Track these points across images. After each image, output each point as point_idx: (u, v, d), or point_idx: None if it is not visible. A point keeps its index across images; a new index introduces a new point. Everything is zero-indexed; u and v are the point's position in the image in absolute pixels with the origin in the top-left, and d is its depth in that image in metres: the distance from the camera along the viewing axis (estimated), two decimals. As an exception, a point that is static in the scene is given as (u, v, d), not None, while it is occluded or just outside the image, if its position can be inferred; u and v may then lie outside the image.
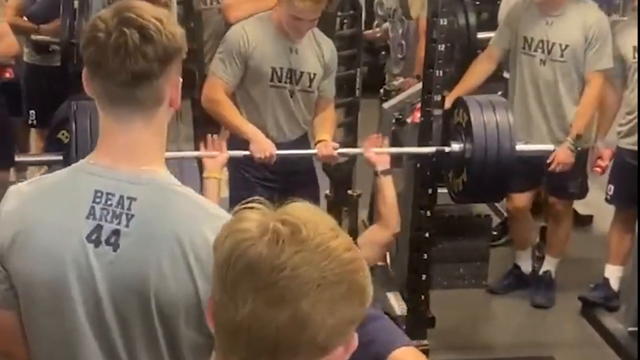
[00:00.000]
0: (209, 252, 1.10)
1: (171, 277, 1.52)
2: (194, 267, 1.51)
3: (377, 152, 3.42)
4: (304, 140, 3.95)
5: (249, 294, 0.99)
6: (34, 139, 5.43)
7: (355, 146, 4.53)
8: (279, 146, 3.73)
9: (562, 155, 4.13)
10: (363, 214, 5.06)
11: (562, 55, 4.20)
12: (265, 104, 3.82)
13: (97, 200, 1.55)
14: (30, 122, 5.03)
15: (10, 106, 4.56)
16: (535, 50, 4.25)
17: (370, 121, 4.65)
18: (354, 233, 4.84)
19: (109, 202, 1.55)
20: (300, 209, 1.06)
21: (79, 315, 1.56)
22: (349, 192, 4.68)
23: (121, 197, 1.55)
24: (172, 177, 1.62)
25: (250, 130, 3.68)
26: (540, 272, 4.64)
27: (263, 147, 3.61)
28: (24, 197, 1.61)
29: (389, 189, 3.36)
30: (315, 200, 3.97)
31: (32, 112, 4.99)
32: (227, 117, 3.77)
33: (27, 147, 5.19)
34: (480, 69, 4.41)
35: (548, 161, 4.17)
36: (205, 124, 4.34)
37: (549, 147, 3.88)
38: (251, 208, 1.06)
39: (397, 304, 4.07)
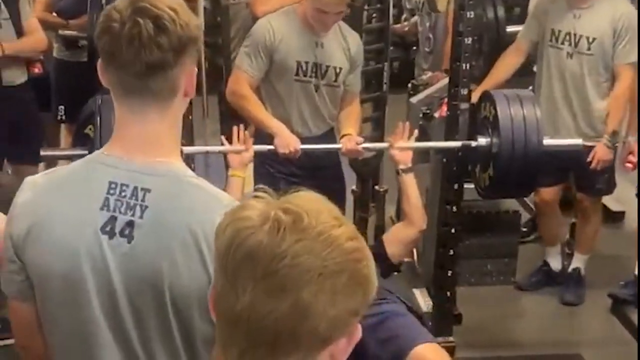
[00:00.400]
0: None
1: (184, 269, 1.51)
2: (208, 260, 1.50)
3: (401, 147, 3.38)
4: (329, 135, 3.92)
5: (249, 283, 0.98)
6: (63, 134, 5.47)
7: (382, 141, 4.51)
8: (304, 141, 3.72)
9: (601, 153, 4.09)
10: (390, 210, 5.03)
11: (589, 49, 4.15)
12: (290, 99, 3.80)
13: (111, 191, 1.54)
14: (59, 117, 5.05)
15: (39, 102, 4.61)
16: (562, 43, 4.20)
17: (399, 116, 4.59)
18: (380, 229, 4.82)
19: (123, 194, 1.54)
20: (303, 198, 1.04)
21: (93, 307, 1.55)
22: (376, 187, 4.66)
23: (135, 188, 1.54)
24: (187, 169, 1.61)
25: (274, 124, 3.67)
26: (570, 269, 4.58)
27: (287, 141, 3.60)
28: (38, 188, 1.61)
29: (411, 187, 3.32)
30: (341, 196, 3.96)
31: (61, 107, 5.01)
32: (251, 111, 3.75)
33: (57, 142, 5.22)
34: (508, 62, 4.36)
35: (588, 159, 4.11)
36: (231, 119, 4.34)
37: (577, 141, 3.81)
38: (255, 197, 1.04)
39: (424, 301, 4.04)
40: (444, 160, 3.70)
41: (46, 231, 1.56)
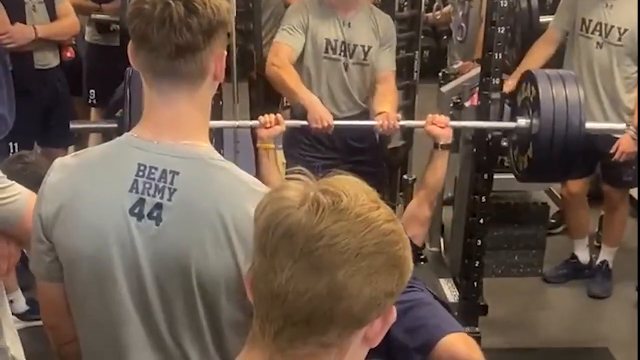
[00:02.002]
0: (251, 227, 1.09)
1: (212, 253, 1.51)
2: (236, 243, 1.51)
3: (441, 123, 3.35)
4: (362, 118, 3.93)
5: (287, 262, 0.99)
6: (94, 118, 5.50)
7: (411, 133, 4.51)
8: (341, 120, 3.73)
9: (625, 144, 4.05)
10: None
11: (619, 39, 4.12)
12: (319, 77, 3.86)
13: (140, 173, 1.55)
14: (90, 101, 5.09)
15: (71, 86, 4.64)
16: (593, 33, 4.17)
17: (430, 105, 4.59)
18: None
19: (152, 176, 1.54)
20: (342, 180, 1.05)
21: (120, 289, 1.56)
22: (405, 176, 4.65)
23: (164, 170, 1.54)
24: (215, 152, 1.61)
25: (307, 97, 3.62)
26: (597, 262, 4.57)
27: (320, 114, 3.53)
28: (68, 169, 1.62)
29: (442, 162, 3.33)
30: (379, 178, 3.99)
31: (92, 91, 5.04)
32: (286, 81, 3.70)
33: (87, 126, 5.26)
34: (539, 52, 4.34)
35: (611, 151, 4.09)
36: (262, 105, 4.35)
37: (620, 125, 3.74)
38: (294, 179, 1.05)
39: (450, 291, 4.04)
40: (474, 150, 3.69)
41: (75, 212, 1.56)
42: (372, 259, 0.99)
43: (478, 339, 3.67)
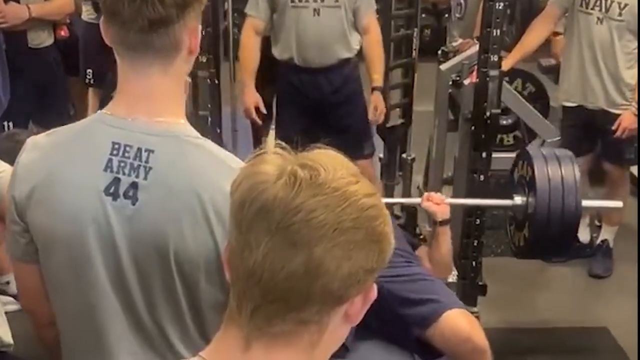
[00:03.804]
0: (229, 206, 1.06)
1: (190, 234, 1.48)
2: (214, 223, 1.47)
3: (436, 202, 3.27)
4: (340, 68, 4.02)
5: (263, 238, 0.95)
6: (91, 98, 5.46)
7: (411, 107, 4.47)
8: (316, 71, 3.91)
9: (627, 121, 4.01)
10: (418, 179, 4.98)
11: (620, 14, 4.06)
12: (288, 28, 3.92)
13: (115, 152, 1.51)
14: (87, 81, 5.04)
15: (67, 65, 4.60)
16: (593, 8, 4.11)
17: (429, 84, 4.55)
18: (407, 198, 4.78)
19: (126, 154, 1.50)
20: (322, 154, 1.01)
21: (97, 271, 1.53)
22: (404, 155, 4.62)
23: (139, 149, 1.50)
24: (192, 129, 1.57)
25: (243, 81, 4.01)
26: (598, 241, 4.54)
27: (245, 98, 3.97)
28: (41, 149, 1.57)
29: (444, 238, 3.21)
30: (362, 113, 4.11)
31: (89, 71, 4.99)
32: (241, 62, 4.06)
33: (84, 107, 5.22)
34: (539, 30, 4.29)
35: (613, 128, 4.05)
36: (260, 84, 4.31)
37: (617, 203, 3.69)
38: (272, 153, 1.01)
39: (449, 271, 4.01)
40: (472, 128, 3.65)
41: (49, 193, 1.53)
42: (350, 234, 0.96)
43: (477, 319, 3.66)
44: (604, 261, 4.47)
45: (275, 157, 1.00)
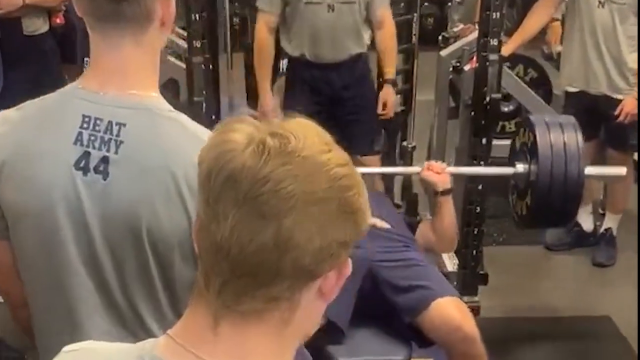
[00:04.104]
0: None
1: (164, 211, 1.44)
2: (188, 200, 1.43)
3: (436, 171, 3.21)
4: (352, 64, 3.95)
5: (230, 209, 0.90)
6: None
7: (412, 94, 4.42)
8: (328, 66, 3.83)
9: (630, 106, 3.95)
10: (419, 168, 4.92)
11: None
12: (301, 25, 3.84)
13: (85, 125, 1.46)
14: (84, 69, 4.98)
15: (64, 53, 4.54)
16: None
17: (431, 73, 4.49)
18: (408, 188, 4.73)
19: (97, 128, 1.46)
20: (294, 123, 0.95)
21: (68, 248, 1.48)
22: (404, 143, 4.56)
23: (110, 122, 1.46)
24: (165, 103, 1.52)
25: (260, 85, 3.94)
26: (601, 230, 4.48)
27: (261, 102, 3.90)
28: (10, 123, 1.52)
29: (447, 209, 3.15)
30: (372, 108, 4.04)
31: (86, 59, 4.91)
32: (257, 70, 3.99)
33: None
34: (539, 14, 4.23)
35: (615, 113, 3.99)
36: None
37: (620, 170, 3.61)
38: (242, 121, 0.95)
39: (449, 260, 3.95)
40: (472, 113, 3.59)
41: (18, 168, 1.48)
42: (322, 205, 0.90)
43: (478, 309, 3.61)
44: (608, 250, 4.42)
45: (244, 125, 0.94)
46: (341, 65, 3.92)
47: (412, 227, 3.28)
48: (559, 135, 3.14)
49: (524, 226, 3.49)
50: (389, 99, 4.08)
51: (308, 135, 0.93)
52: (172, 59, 3.66)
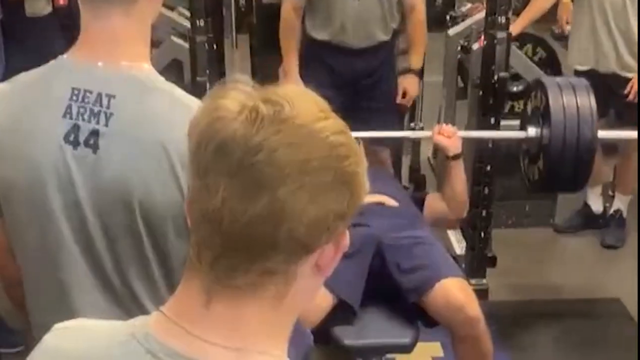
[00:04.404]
0: None
1: (156, 185, 1.40)
2: (180, 174, 1.39)
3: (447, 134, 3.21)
4: (383, 47, 3.88)
5: (221, 180, 0.85)
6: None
7: (420, 80, 4.36)
8: (354, 53, 3.76)
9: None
10: (427, 151, 4.89)
11: None
12: (330, 12, 3.77)
13: (74, 97, 1.43)
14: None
15: (67, 35, 4.50)
16: None
17: (440, 54, 4.44)
18: (416, 171, 4.69)
19: (86, 100, 1.42)
20: (289, 89, 0.91)
21: (59, 224, 1.45)
22: (412, 124, 4.51)
23: (99, 94, 1.42)
24: (156, 73, 1.48)
25: (287, 64, 3.85)
26: (611, 211, 4.44)
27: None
28: (0, 96, 1.49)
29: (457, 173, 3.16)
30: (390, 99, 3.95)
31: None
32: (284, 49, 3.88)
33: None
34: None
35: (625, 91, 3.94)
36: (263, 52, 4.23)
37: (632, 133, 3.56)
38: (236, 88, 0.91)
39: (457, 243, 3.92)
40: (481, 93, 3.54)
41: (7, 142, 1.46)
42: (317, 174, 0.86)
43: (485, 291, 3.58)
44: (617, 231, 4.37)
45: (237, 92, 0.90)
46: (365, 51, 3.84)
47: (419, 202, 3.25)
48: (571, 98, 3.08)
49: (536, 191, 3.44)
50: (411, 89, 3.98)
51: (303, 102, 0.89)
52: (176, 39, 3.60)
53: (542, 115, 3.15)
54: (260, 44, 4.31)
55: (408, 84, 3.97)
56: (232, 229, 0.86)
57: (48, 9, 4.24)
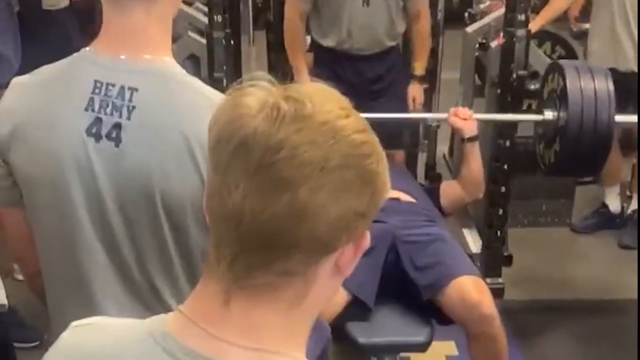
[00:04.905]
0: None
1: (177, 177, 1.40)
2: (202, 166, 1.39)
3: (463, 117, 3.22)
4: (386, 55, 3.85)
5: (241, 178, 0.84)
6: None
7: (436, 71, 4.35)
8: (361, 59, 3.74)
9: None
10: (443, 148, 4.86)
11: None
12: (336, 19, 3.74)
13: (97, 91, 1.43)
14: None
15: (83, 28, 4.50)
16: None
17: (457, 51, 4.41)
18: (432, 168, 4.67)
19: (109, 93, 1.42)
20: (310, 86, 0.90)
21: (80, 218, 1.45)
22: (428, 122, 4.48)
23: (122, 87, 1.42)
24: (178, 66, 1.48)
25: (298, 66, 3.83)
26: (629, 211, 4.40)
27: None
28: (23, 88, 1.50)
29: (473, 156, 3.19)
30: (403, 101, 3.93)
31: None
32: (290, 54, 3.88)
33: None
34: None
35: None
36: (280, 49, 4.22)
37: None
38: (255, 85, 0.89)
39: (473, 241, 3.90)
40: (499, 91, 3.51)
41: (30, 133, 1.46)
42: (338, 173, 0.84)
43: (501, 290, 3.56)
44: (634, 232, 4.33)
45: (258, 89, 0.89)
46: (373, 57, 3.82)
47: (433, 193, 3.26)
48: (589, 81, 3.06)
49: (551, 174, 3.41)
50: (418, 96, 3.96)
51: (324, 99, 0.87)
52: (193, 35, 3.60)
53: (559, 98, 3.13)
54: (277, 40, 4.29)
55: (415, 92, 3.94)
56: (252, 228, 0.85)
57: (65, 3, 4.25)
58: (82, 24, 4.45)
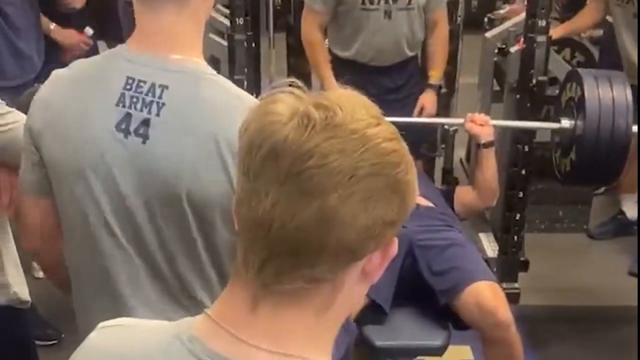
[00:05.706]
0: None
1: (205, 175, 1.42)
2: (230, 165, 1.40)
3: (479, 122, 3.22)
4: (405, 65, 3.84)
5: (271, 185, 0.85)
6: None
7: (455, 76, 4.34)
8: (381, 70, 3.72)
9: None
10: (460, 153, 4.86)
11: None
12: (356, 32, 3.72)
13: (128, 86, 1.46)
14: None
15: (100, 28, 4.51)
16: (627, 3, 3.97)
17: (476, 56, 4.40)
18: (449, 172, 4.66)
19: (139, 90, 1.45)
20: (340, 94, 0.90)
21: (104, 212, 1.47)
22: (446, 126, 4.48)
23: (153, 84, 1.45)
24: (207, 66, 1.51)
25: (325, 76, 3.74)
26: (648, 218, 4.38)
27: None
28: (59, 81, 1.53)
29: (490, 162, 3.18)
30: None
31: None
32: (315, 64, 3.81)
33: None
34: (588, 15, 4.21)
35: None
36: (300, 52, 4.22)
37: None
38: (286, 91, 0.91)
39: (490, 246, 3.89)
40: (518, 97, 3.51)
41: (61, 126, 1.48)
42: (368, 182, 0.85)
43: (517, 296, 3.56)
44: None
45: (289, 96, 0.90)
46: (392, 68, 3.81)
47: (449, 196, 3.26)
48: (607, 91, 3.03)
49: (567, 183, 3.41)
50: (429, 106, 3.91)
51: (355, 107, 0.88)
52: (214, 37, 3.61)
53: (577, 106, 3.12)
54: (297, 43, 4.29)
55: (426, 101, 3.89)
56: (281, 235, 0.86)
57: (80, 3, 4.26)
58: (100, 24, 4.48)
